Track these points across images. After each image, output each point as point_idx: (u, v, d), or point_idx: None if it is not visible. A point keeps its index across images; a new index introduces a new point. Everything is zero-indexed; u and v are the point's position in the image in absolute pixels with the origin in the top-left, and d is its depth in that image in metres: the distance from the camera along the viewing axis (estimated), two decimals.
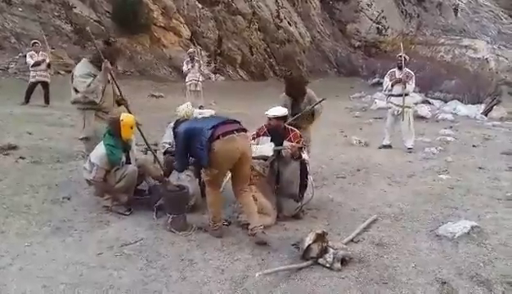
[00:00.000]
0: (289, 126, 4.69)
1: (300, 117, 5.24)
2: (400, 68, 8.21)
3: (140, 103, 11.43)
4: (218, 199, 4.10)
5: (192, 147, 3.84)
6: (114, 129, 4.34)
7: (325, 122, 8.69)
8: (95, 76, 4.69)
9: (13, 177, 5.18)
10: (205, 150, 3.70)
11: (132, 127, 4.42)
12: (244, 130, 3.96)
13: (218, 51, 20.20)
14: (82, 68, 4.83)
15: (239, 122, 4.00)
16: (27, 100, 10.01)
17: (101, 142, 4.42)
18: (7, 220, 4.13)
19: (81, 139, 5.03)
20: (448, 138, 9.03)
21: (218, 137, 3.69)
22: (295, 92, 5.30)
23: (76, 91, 4.75)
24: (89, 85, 4.65)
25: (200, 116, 4.86)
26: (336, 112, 12.17)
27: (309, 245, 3.45)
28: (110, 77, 4.84)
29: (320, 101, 5.33)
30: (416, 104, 12.52)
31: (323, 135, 8.54)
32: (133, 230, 4.07)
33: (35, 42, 10.41)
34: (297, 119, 5.20)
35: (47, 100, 10.27)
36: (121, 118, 4.32)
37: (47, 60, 10.27)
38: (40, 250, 3.61)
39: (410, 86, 8.13)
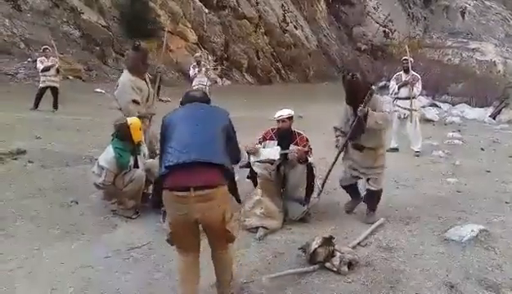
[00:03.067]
0: (296, 130, 4.70)
1: (357, 131, 4.32)
2: (406, 71, 8.21)
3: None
4: (187, 269, 2.90)
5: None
6: (124, 133, 4.38)
7: (332, 126, 8.66)
8: (137, 88, 4.94)
9: (21, 181, 5.23)
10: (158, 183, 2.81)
11: (140, 129, 4.47)
12: (214, 185, 2.63)
13: (225, 56, 20.27)
14: (122, 79, 5.03)
15: (217, 166, 2.67)
16: (36, 105, 10.10)
17: (109, 146, 4.46)
18: (16, 223, 4.17)
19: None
20: (456, 141, 8.98)
21: (167, 187, 2.64)
22: (354, 99, 4.27)
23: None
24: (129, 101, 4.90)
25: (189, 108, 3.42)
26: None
27: (316, 249, 3.45)
28: (147, 80, 5.12)
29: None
30: (424, 107, 12.50)
31: (330, 139, 8.51)
32: (140, 234, 4.10)
33: (46, 48, 10.51)
34: (355, 135, 4.35)
35: (55, 105, 10.36)
36: (129, 122, 4.37)
37: (57, 66, 10.36)
38: (48, 253, 3.64)
39: (417, 88, 8.11)
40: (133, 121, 4.43)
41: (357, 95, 4.21)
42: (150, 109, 5.14)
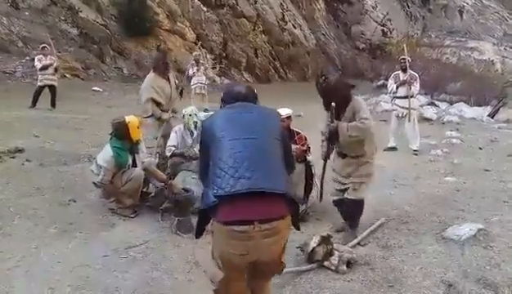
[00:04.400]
0: (295, 129, 4.70)
1: (331, 143, 3.98)
2: (404, 70, 8.21)
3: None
4: None
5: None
6: (122, 132, 4.38)
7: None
8: (158, 86, 5.26)
9: (19, 180, 5.21)
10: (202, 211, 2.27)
11: (138, 127, 4.46)
12: (280, 216, 2.15)
13: (223, 54, 20.25)
14: (146, 78, 5.46)
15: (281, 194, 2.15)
16: (34, 103, 10.07)
17: (107, 145, 4.45)
18: (14, 222, 4.15)
19: (161, 136, 5.36)
20: (454, 140, 8.98)
21: (221, 221, 2.12)
22: (329, 104, 3.78)
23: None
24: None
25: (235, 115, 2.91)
26: None
27: (314, 248, 3.45)
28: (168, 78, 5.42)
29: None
30: (422, 106, 12.50)
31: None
32: (139, 233, 4.09)
33: (44, 46, 10.48)
34: (331, 141, 3.96)
35: (53, 104, 10.34)
36: (127, 121, 4.36)
37: (55, 64, 10.34)
38: (46, 252, 3.63)
39: (415, 88, 8.12)
40: (131, 119, 4.43)
41: (332, 100, 3.70)
42: (172, 105, 5.49)
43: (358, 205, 4.03)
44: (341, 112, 3.80)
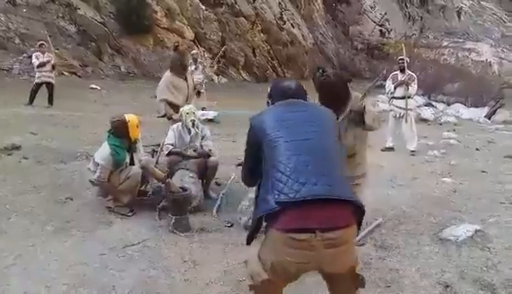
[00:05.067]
0: None
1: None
2: (402, 70, 8.23)
3: (143, 104, 11.48)
4: None
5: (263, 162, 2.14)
6: (121, 130, 4.36)
7: None
8: (173, 86, 5.41)
9: (16, 177, 5.19)
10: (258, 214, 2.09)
11: (137, 126, 4.45)
12: (346, 224, 1.99)
13: (222, 53, 20.19)
14: (163, 78, 5.53)
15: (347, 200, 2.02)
16: (31, 100, 10.04)
17: (105, 143, 4.44)
18: (10, 220, 4.14)
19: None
20: (451, 141, 9.01)
21: (280, 228, 1.95)
22: (331, 101, 3.35)
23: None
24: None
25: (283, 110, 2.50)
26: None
27: None
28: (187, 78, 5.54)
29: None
30: (419, 106, 12.54)
31: None
32: (136, 231, 4.07)
33: (42, 43, 10.44)
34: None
35: (51, 101, 10.31)
36: (127, 119, 4.35)
37: (52, 61, 10.30)
38: (43, 250, 3.61)
39: (413, 88, 8.15)
40: (131, 118, 4.42)
41: (329, 95, 3.43)
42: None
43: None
44: (339, 108, 3.45)
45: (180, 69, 5.44)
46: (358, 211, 2.07)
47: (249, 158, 2.28)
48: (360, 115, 3.45)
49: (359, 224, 2.14)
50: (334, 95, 3.44)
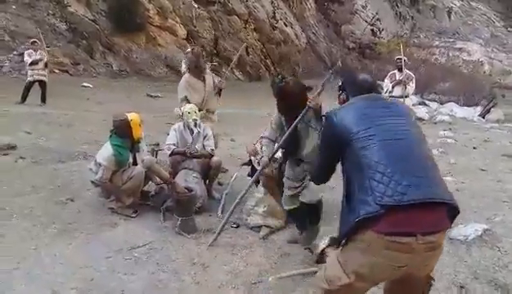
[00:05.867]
0: None
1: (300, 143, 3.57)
2: (400, 69, 8.26)
3: (137, 103, 11.34)
4: None
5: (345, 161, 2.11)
6: (124, 130, 4.26)
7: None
8: (190, 87, 5.42)
9: (14, 178, 5.05)
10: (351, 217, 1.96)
11: (140, 125, 4.35)
12: (443, 228, 1.96)
13: (214, 51, 20.09)
14: (182, 79, 5.57)
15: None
16: (24, 98, 9.85)
17: (107, 143, 4.33)
18: (10, 222, 4.01)
19: None
20: (448, 140, 9.03)
21: (382, 231, 1.86)
22: (289, 108, 3.50)
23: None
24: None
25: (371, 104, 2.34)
26: None
27: (324, 249, 3.40)
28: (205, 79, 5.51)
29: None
30: (414, 105, 12.59)
31: None
32: (141, 233, 3.98)
33: (34, 41, 10.24)
34: (288, 143, 3.57)
35: (43, 99, 10.12)
36: (130, 118, 4.24)
37: (45, 59, 10.11)
38: (47, 253, 3.50)
39: (411, 87, 8.19)
40: (133, 116, 4.31)
41: (289, 101, 3.45)
42: (207, 105, 5.51)
43: (317, 208, 3.72)
44: (297, 116, 3.42)
45: (196, 71, 5.47)
46: (452, 212, 2.00)
47: (326, 157, 2.22)
48: (317, 113, 3.36)
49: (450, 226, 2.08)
50: (293, 103, 3.41)
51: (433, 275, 2.15)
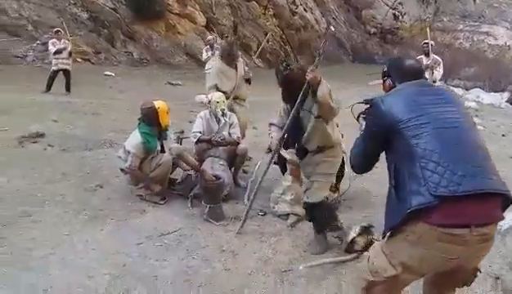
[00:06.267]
0: None
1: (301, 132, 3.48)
2: (427, 54, 8.04)
3: (158, 91, 11.38)
4: None
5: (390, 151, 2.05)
6: (152, 118, 4.29)
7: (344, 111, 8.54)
8: (222, 73, 5.42)
9: (44, 165, 5.15)
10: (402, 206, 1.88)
11: (167, 112, 4.37)
12: (496, 219, 1.91)
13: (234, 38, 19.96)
14: (214, 66, 5.71)
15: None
16: (49, 87, 9.97)
17: (136, 130, 4.37)
18: (43, 208, 4.10)
19: None
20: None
21: (435, 223, 1.79)
22: (293, 95, 3.37)
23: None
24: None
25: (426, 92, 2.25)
26: (353, 99, 12.00)
27: (354, 238, 3.37)
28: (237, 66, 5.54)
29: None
30: None
31: (345, 124, 8.39)
32: (170, 220, 4.03)
33: (58, 30, 10.32)
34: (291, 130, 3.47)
35: (68, 88, 10.24)
36: (157, 106, 4.26)
37: (69, 48, 10.21)
38: (79, 239, 3.57)
39: (439, 72, 8.00)
40: (161, 104, 4.33)
41: (292, 88, 3.36)
42: (236, 92, 5.48)
43: (322, 208, 3.49)
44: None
45: (228, 58, 5.48)
46: (506, 202, 1.91)
47: (371, 145, 2.12)
48: (314, 86, 3.15)
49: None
50: (297, 90, 3.29)
51: (480, 267, 2.09)
